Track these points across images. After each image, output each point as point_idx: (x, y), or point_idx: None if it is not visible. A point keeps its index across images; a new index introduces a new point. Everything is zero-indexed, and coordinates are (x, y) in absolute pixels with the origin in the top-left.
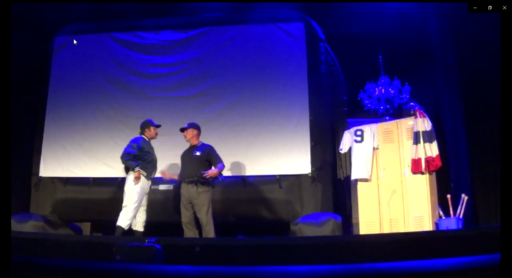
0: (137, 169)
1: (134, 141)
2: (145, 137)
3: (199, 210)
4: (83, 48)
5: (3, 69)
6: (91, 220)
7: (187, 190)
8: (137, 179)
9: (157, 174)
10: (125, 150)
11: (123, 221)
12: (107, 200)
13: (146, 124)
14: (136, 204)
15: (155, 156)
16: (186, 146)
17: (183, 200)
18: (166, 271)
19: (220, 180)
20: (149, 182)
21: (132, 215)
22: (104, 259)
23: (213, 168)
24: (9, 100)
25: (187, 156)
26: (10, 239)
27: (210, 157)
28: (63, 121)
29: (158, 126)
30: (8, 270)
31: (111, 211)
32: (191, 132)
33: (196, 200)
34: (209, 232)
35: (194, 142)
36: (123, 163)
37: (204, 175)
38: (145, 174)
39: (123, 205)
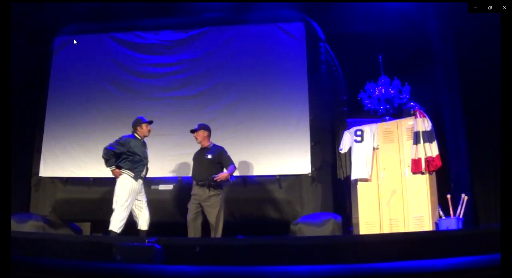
0: (112, 167)
1: (121, 138)
2: (137, 136)
3: (209, 213)
4: (83, 48)
5: (3, 69)
6: (91, 220)
7: (198, 192)
8: (115, 176)
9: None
10: (108, 145)
11: (114, 224)
12: (107, 200)
13: (137, 122)
14: (125, 206)
15: (146, 154)
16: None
17: (193, 200)
18: (166, 271)
19: (231, 181)
20: (140, 182)
21: (122, 217)
22: (104, 259)
23: (224, 170)
24: (9, 100)
25: (199, 158)
26: (10, 239)
27: (221, 159)
28: (63, 121)
29: (150, 122)
30: (8, 270)
31: (111, 211)
32: (202, 133)
33: (206, 203)
34: (218, 234)
35: (206, 144)
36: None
37: (215, 179)
38: (132, 174)
39: (112, 208)
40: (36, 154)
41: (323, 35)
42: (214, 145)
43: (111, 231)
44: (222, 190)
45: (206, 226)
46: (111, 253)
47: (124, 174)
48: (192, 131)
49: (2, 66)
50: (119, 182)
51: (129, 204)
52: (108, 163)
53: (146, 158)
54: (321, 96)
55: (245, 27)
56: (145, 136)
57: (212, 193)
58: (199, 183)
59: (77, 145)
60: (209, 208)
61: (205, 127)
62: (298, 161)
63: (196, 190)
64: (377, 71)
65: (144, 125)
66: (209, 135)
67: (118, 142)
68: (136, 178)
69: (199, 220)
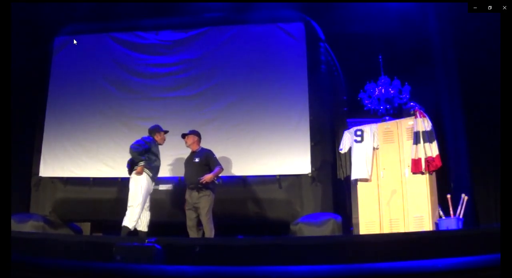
0: (141, 163)
1: (147, 138)
2: (156, 140)
3: (200, 213)
4: (83, 48)
5: (3, 69)
6: (91, 220)
7: (190, 195)
8: (139, 173)
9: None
10: (136, 141)
11: (129, 221)
12: (107, 200)
13: (157, 129)
14: (142, 204)
15: (160, 160)
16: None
17: (188, 205)
18: (166, 271)
19: (217, 182)
20: (153, 183)
21: (138, 215)
22: (104, 259)
23: None
24: (9, 100)
25: (188, 162)
26: (10, 239)
27: (208, 161)
28: (63, 121)
29: (166, 132)
30: (8, 270)
31: (111, 211)
32: (191, 138)
33: (197, 204)
34: (209, 232)
35: (194, 148)
36: (131, 153)
37: (201, 181)
38: (150, 174)
39: (129, 205)
40: (36, 154)
41: (323, 35)
42: (202, 149)
43: (125, 226)
44: (212, 191)
45: None
46: (111, 253)
47: (144, 173)
48: (183, 136)
49: (2, 66)
50: (136, 180)
51: (144, 202)
52: (139, 157)
53: (160, 162)
54: (321, 96)
55: (245, 27)
56: (159, 144)
57: (201, 194)
58: (189, 185)
59: (77, 145)
60: (200, 209)
61: (195, 133)
62: (298, 161)
63: (187, 194)
64: (377, 71)
65: (162, 133)
66: (199, 141)
67: (146, 141)
68: (153, 178)
69: (199, 226)
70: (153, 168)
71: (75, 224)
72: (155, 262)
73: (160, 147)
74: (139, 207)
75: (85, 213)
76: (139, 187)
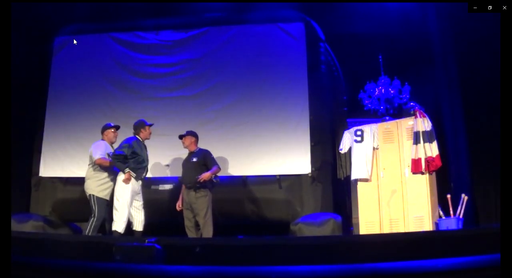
0: (127, 170)
1: (126, 141)
2: (139, 138)
3: (197, 214)
4: (83, 48)
5: (3, 69)
6: None
7: (187, 195)
8: (127, 180)
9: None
10: (115, 150)
11: (118, 225)
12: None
13: (141, 124)
14: (127, 206)
15: (147, 156)
16: None
17: (185, 205)
18: (166, 271)
19: (215, 181)
20: (139, 183)
21: (126, 218)
22: (104, 259)
23: None
24: (9, 100)
25: (186, 163)
26: (10, 239)
27: (206, 160)
28: (63, 121)
29: (151, 125)
30: (8, 270)
31: (111, 211)
32: (189, 139)
33: (195, 205)
34: (207, 234)
35: (192, 149)
36: (113, 162)
37: (198, 179)
38: (134, 175)
39: (114, 208)
40: (36, 154)
41: (323, 35)
42: (200, 149)
43: (115, 231)
44: (209, 191)
45: None
46: (111, 253)
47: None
48: (180, 137)
49: (2, 66)
50: (120, 182)
51: (130, 204)
52: (122, 167)
53: (147, 160)
54: (321, 96)
55: (245, 27)
56: (146, 138)
57: (199, 194)
58: (187, 185)
59: (77, 144)
60: (197, 210)
61: (192, 133)
62: (298, 161)
63: (185, 194)
64: (377, 71)
65: (147, 127)
66: (196, 142)
67: (123, 145)
68: (137, 178)
69: (198, 225)
70: (138, 167)
71: (75, 224)
72: (155, 262)
73: (159, 147)
74: (124, 209)
75: (85, 213)
76: (123, 189)
